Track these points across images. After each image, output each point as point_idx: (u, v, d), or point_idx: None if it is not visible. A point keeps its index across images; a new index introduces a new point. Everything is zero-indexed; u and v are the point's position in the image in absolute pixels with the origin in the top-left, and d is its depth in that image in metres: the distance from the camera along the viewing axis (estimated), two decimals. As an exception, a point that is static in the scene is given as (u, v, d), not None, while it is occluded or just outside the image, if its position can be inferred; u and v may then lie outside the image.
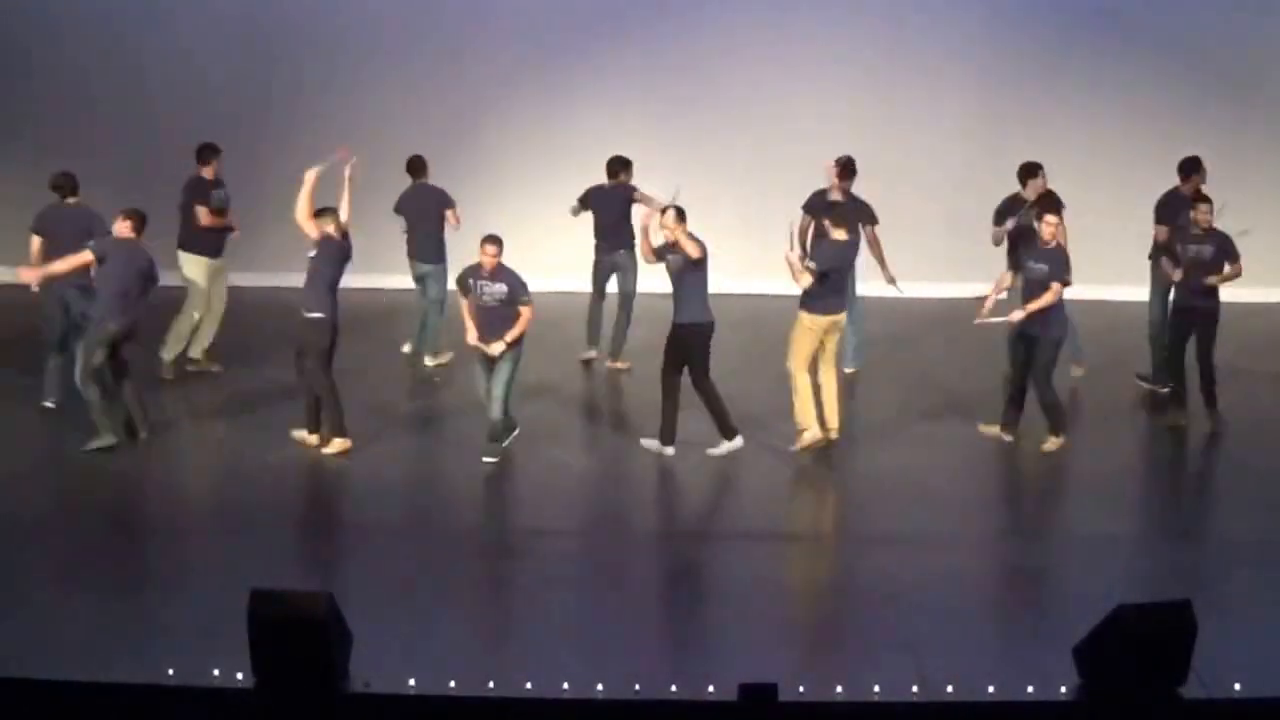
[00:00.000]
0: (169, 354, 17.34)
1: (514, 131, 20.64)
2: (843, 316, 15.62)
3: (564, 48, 20.64)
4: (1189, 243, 16.21)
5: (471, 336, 15.08)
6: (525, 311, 15.05)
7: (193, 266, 17.43)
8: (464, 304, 15.17)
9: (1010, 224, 16.83)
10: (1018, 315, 15.39)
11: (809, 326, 15.24)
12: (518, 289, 15.07)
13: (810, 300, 15.23)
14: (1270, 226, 20.19)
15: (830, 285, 15.27)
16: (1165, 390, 16.61)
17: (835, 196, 17.16)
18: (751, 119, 20.55)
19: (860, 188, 19.89)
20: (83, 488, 14.68)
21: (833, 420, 15.40)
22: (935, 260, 20.09)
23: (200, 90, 20.37)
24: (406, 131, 20.08)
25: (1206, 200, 16.23)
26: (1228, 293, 16.36)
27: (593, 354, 18.00)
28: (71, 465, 15.12)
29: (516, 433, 15.36)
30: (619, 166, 17.78)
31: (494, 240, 15.10)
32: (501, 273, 15.06)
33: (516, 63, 20.62)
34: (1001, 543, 13.59)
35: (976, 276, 18.63)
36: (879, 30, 20.56)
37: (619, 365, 17.81)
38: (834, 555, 13.68)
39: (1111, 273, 19.10)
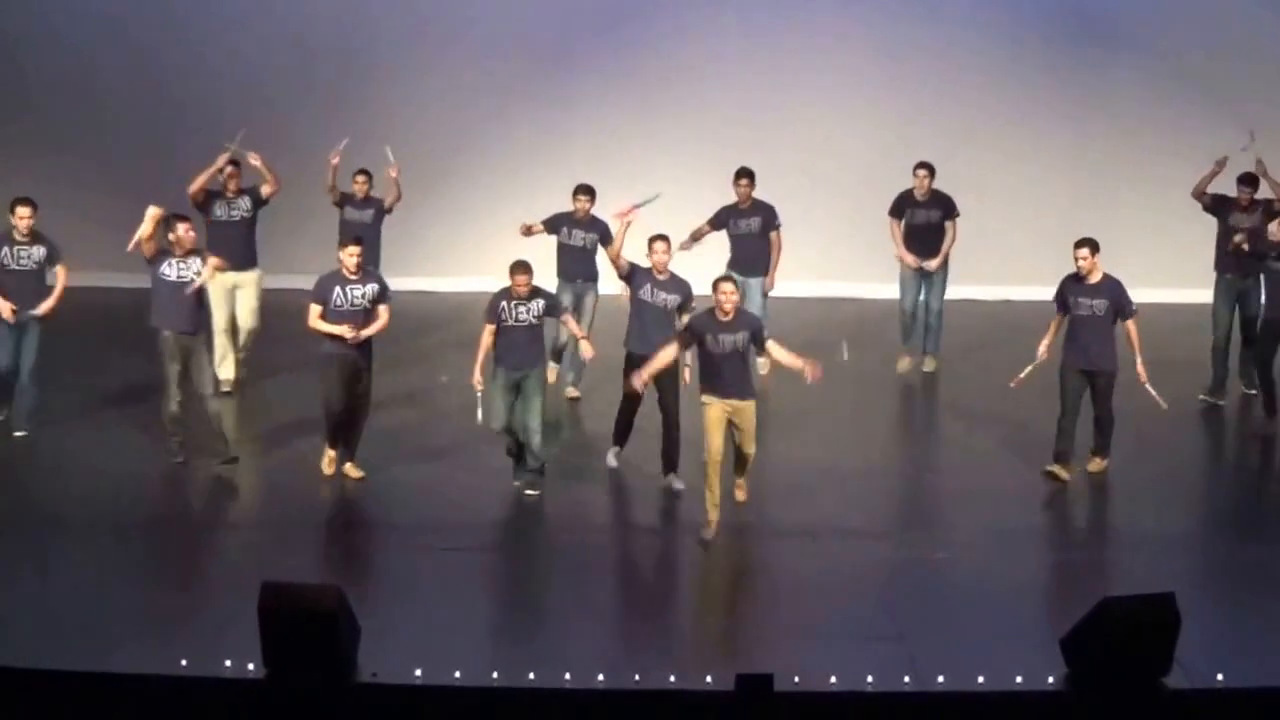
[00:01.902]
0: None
1: (513, 136, 20.79)
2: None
3: (561, 54, 20.76)
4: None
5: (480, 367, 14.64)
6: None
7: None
8: (486, 332, 14.65)
9: None
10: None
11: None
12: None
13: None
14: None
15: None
16: (1223, 403, 17.09)
17: (743, 205, 17.66)
18: (744, 124, 20.68)
19: (850, 190, 20.17)
20: (93, 486, 14.85)
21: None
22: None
23: (202, 97, 20.48)
24: (407, 135, 20.26)
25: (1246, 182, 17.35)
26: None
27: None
28: (81, 464, 15.32)
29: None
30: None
31: (526, 269, 14.71)
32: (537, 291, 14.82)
33: (515, 68, 20.73)
34: (990, 538, 13.75)
35: (961, 280, 18.78)
36: (869, 37, 20.66)
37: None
38: (828, 549, 13.83)
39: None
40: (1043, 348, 15.19)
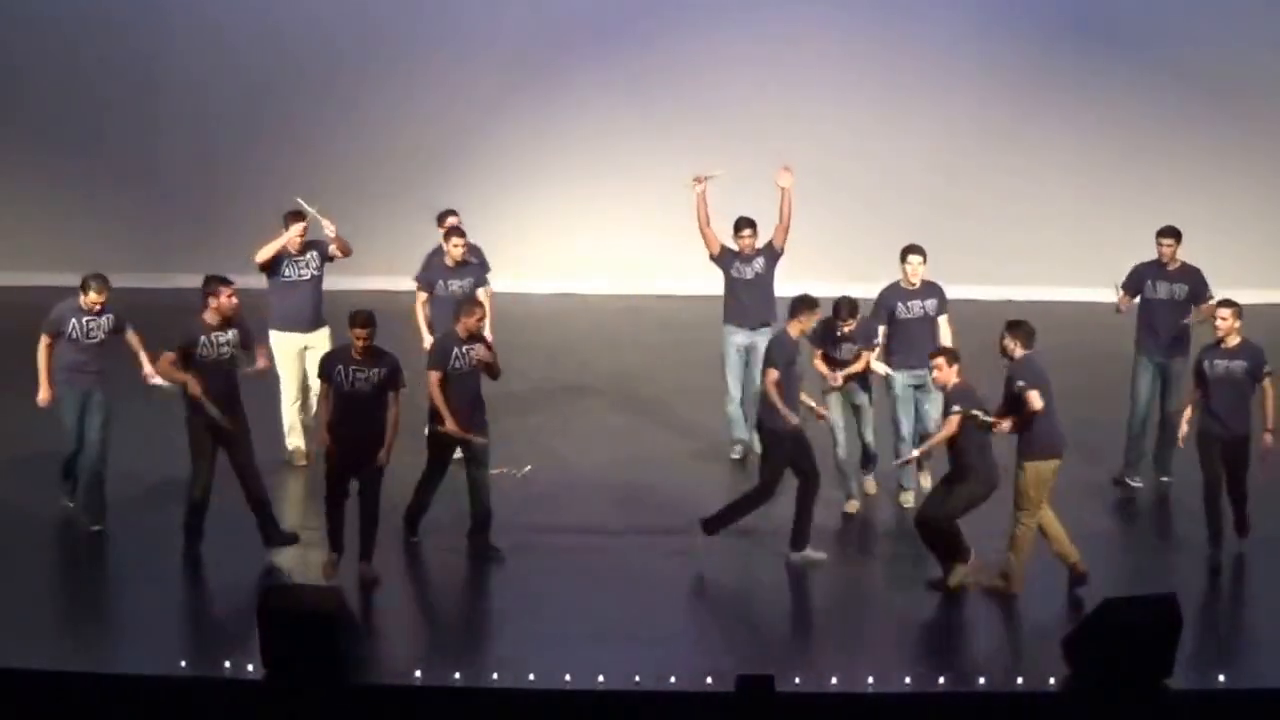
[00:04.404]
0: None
1: (512, 135, 20.75)
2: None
3: (561, 53, 20.70)
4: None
5: (452, 425, 13.54)
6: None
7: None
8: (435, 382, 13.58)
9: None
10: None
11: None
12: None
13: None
14: (1253, 230, 20.47)
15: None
16: (1139, 484, 15.12)
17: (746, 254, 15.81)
18: (747, 121, 20.61)
19: (853, 189, 20.13)
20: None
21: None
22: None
23: (202, 97, 20.42)
24: (405, 134, 20.27)
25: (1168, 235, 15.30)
26: (1221, 294, 16.39)
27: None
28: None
29: None
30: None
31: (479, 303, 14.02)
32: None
33: (515, 67, 20.67)
34: (991, 539, 13.71)
35: (962, 279, 18.72)
36: (871, 38, 20.57)
37: None
38: (828, 550, 13.80)
39: (1094, 274, 19.26)
40: None
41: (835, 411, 14.63)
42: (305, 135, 20.04)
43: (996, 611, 12.82)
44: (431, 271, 15.60)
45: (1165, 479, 15.19)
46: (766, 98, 20.63)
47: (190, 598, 12.84)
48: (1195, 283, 15.23)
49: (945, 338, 14.82)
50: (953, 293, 17.76)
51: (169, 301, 17.03)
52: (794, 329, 13.92)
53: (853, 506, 14.61)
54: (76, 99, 20.47)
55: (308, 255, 15.41)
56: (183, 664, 11.47)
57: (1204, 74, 20.44)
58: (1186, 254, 16.10)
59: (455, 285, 15.44)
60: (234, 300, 13.68)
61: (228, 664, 11.46)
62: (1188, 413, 13.92)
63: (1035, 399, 13.02)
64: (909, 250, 15.12)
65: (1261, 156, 20.56)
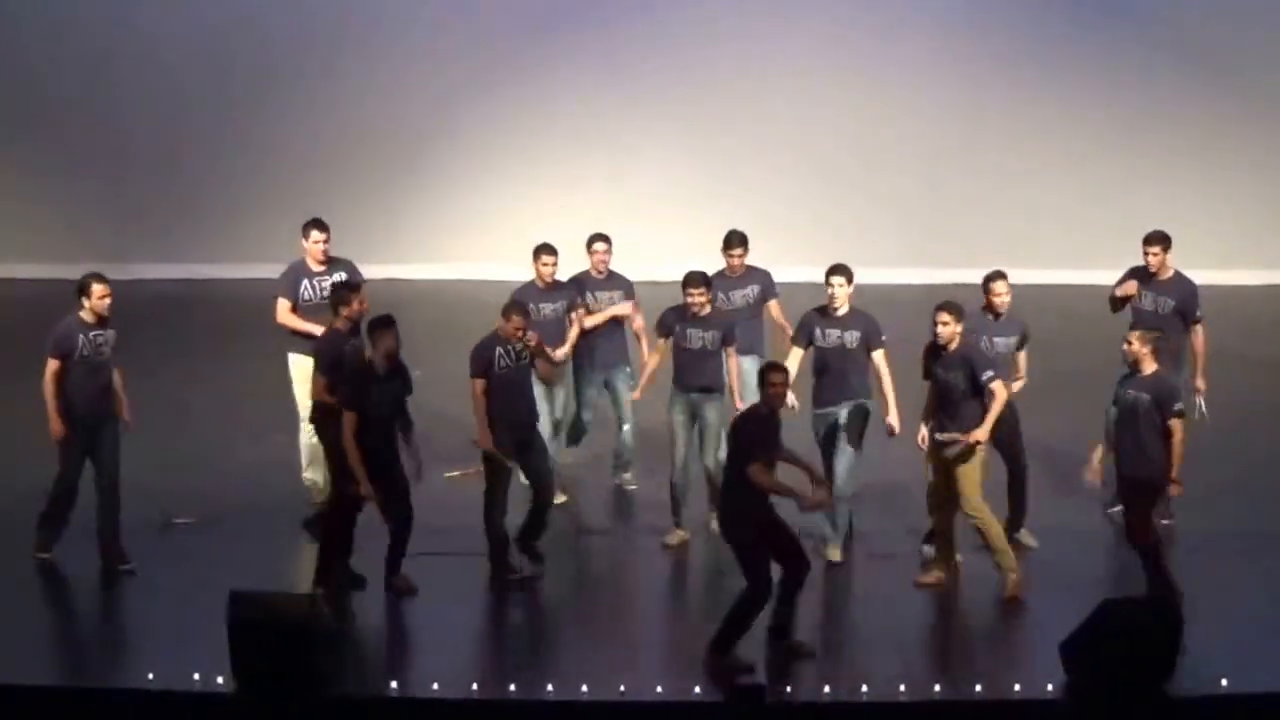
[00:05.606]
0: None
1: (494, 117, 20.57)
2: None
3: (543, 35, 20.57)
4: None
5: (486, 440, 13.04)
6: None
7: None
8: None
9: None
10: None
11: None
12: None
13: None
14: (1250, 210, 20.32)
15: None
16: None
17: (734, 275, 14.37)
18: (735, 105, 20.50)
19: (843, 171, 19.91)
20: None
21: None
22: (916, 245, 20.11)
23: (177, 78, 20.22)
24: (380, 120, 20.05)
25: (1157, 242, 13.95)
26: (1215, 275, 16.18)
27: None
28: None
29: None
30: None
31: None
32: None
33: (497, 46, 20.54)
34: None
35: (955, 262, 18.56)
36: (860, 16, 20.52)
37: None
38: (820, 558, 13.56)
39: (1087, 256, 19.12)
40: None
41: (680, 425, 13.50)
42: (275, 120, 19.83)
43: (993, 616, 12.63)
44: (521, 294, 14.00)
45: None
46: (753, 78, 20.52)
47: (157, 608, 12.55)
48: (1184, 298, 13.92)
49: (886, 383, 13.22)
50: (944, 276, 17.57)
51: (136, 293, 16.90)
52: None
53: (676, 538, 13.51)
54: (37, 87, 20.25)
55: (335, 274, 14.06)
56: (149, 676, 11.16)
57: (1202, 52, 20.40)
58: (1183, 235, 15.40)
59: (547, 309, 14.15)
60: (365, 304, 13.33)
61: (196, 676, 11.15)
62: (1098, 451, 12.67)
63: (1002, 390, 12.66)
64: (830, 271, 13.39)
65: (1261, 134, 20.48)
